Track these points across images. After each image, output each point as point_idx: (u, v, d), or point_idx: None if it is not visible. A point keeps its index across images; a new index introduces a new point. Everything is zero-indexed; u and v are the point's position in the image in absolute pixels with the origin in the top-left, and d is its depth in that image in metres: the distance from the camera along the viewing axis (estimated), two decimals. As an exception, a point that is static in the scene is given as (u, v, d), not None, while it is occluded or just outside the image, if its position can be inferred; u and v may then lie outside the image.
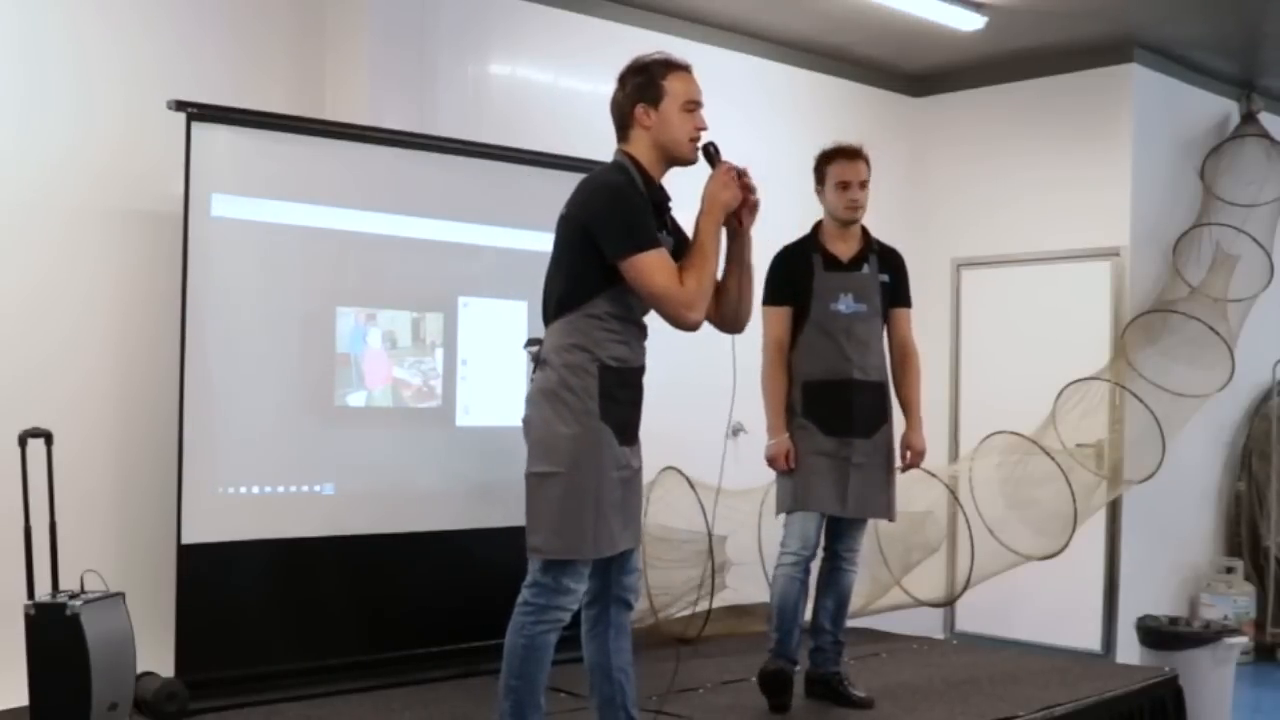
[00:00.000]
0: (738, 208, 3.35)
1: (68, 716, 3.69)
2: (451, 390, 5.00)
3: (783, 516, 4.44)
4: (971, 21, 6.36)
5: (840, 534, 4.47)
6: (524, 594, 3.31)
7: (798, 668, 4.45)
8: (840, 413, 4.34)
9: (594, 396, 3.24)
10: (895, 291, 4.51)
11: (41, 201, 4.52)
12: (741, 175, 3.35)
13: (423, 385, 4.94)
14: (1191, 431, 6.85)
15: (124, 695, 3.86)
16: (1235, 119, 7.39)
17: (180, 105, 4.36)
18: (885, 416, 4.46)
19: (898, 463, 4.53)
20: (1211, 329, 6.56)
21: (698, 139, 3.38)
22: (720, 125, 6.44)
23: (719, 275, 3.38)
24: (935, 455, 7.08)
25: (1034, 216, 7.16)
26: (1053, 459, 6.04)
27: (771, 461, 4.39)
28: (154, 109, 4.43)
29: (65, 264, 4.57)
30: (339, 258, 4.74)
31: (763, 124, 6.59)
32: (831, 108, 7.00)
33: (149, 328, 4.67)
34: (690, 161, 3.39)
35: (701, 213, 3.35)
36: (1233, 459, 7.80)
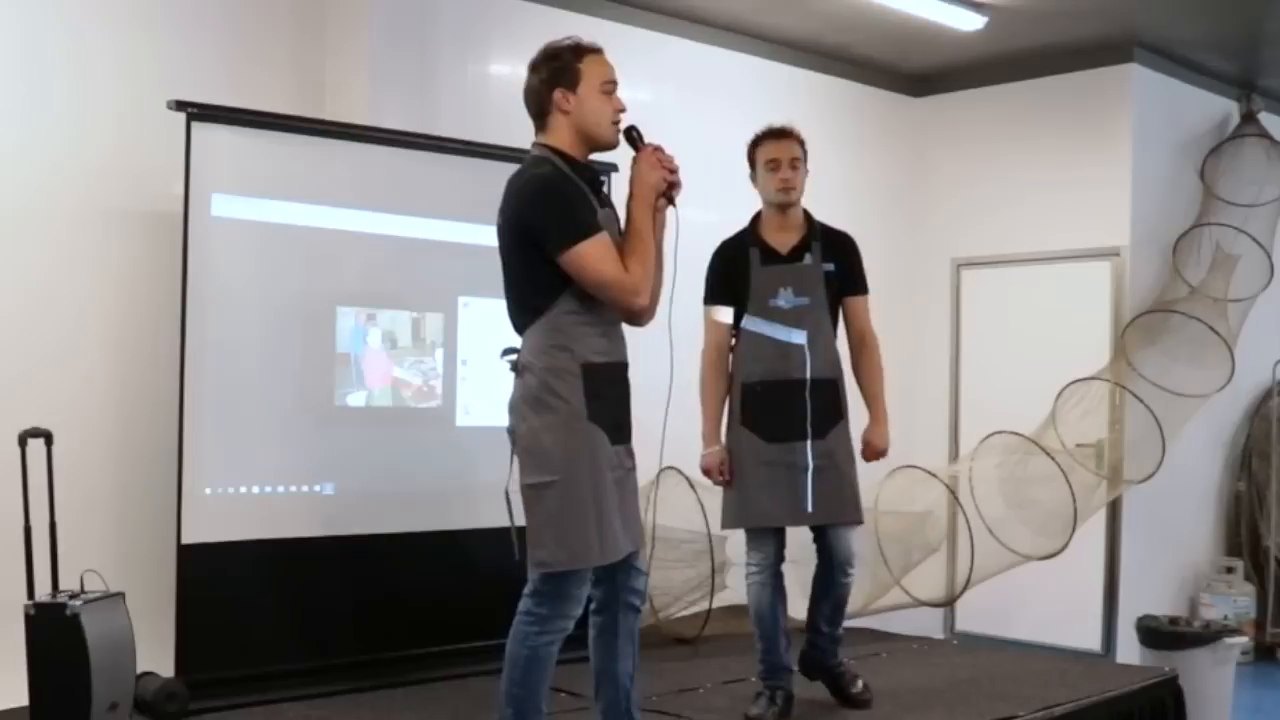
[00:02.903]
0: (665, 188, 3.29)
1: (68, 716, 3.69)
2: (451, 390, 5.00)
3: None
4: (971, 21, 6.36)
5: (832, 544, 4.20)
6: (525, 603, 3.24)
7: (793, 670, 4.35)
8: (783, 416, 4.09)
9: (580, 397, 3.18)
10: (845, 279, 4.25)
11: (41, 202, 4.52)
12: (663, 154, 3.29)
13: (423, 385, 4.94)
14: (1191, 431, 6.85)
15: (124, 695, 3.86)
16: (1235, 119, 7.39)
17: (180, 105, 4.36)
18: (839, 414, 4.19)
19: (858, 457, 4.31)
20: (1211, 329, 6.56)
21: (619, 121, 3.32)
22: (721, 125, 6.44)
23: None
24: (935, 455, 7.13)
25: (1034, 216, 7.16)
26: (1053, 459, 6.04)
27: (706, 474, 4.18)
28: (154, 109, 4.43)
29: (65, 264, 4.57)
30: (339, 258, 4.74)
31: (763, 124, 6.58)
32: (831, 108, 7.01)
33: (149, 328, 4.67)
34: (612, 144, 3.34)
35: (631, 197, 3.29)
36: (1233, 459, 7.80)
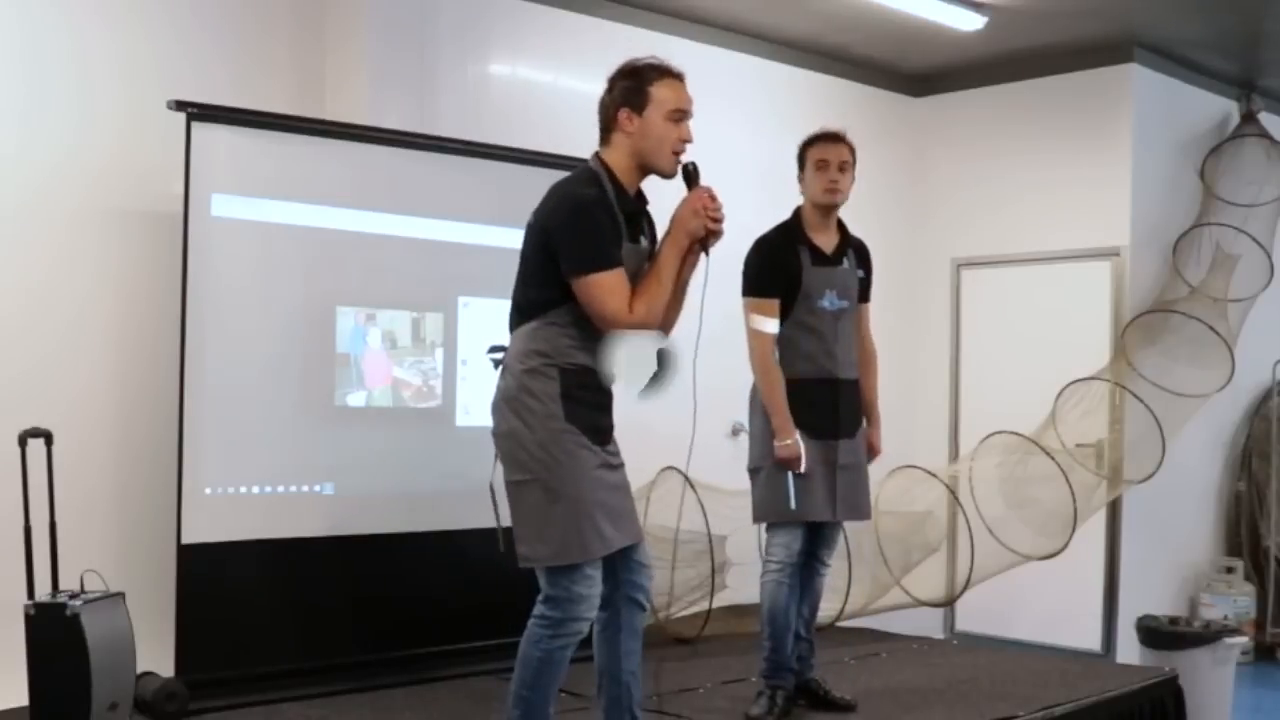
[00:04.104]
0: (703, 235, 3.28)
1: (68, 716, 3.69)
2: (451, 390, 5.00)
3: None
4: (971, 21, 6.36)
5: (824, 539, 4.36)
6: (539, 607, 3.26)
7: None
8: (828, 414, 4.23)
9: (556, 399, 3.20)
10: (865, 287, 4.42)
11: (41, 202, 4.52)
12: (712, 202, 3.27)
13: (423, 385, 4.94)
14: (1191, 431, 6.85)
15: (124, 695, 3.86)
16: (1235, 119, 7.39)
17: (180, 105, 4.36)
18: (860, 415, 4.38)
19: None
20: (1211, 329, 6.57)
21: (681, 151, 3.31)
22: (721, 125, 6.44)
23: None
24: (935, 455, 7.13)
25: (1034, 216, 7.16)
26: (1053, 459, 6.04)
27: (790, 463, 4.15)
28: (154, 109, 4.43)
29: (65, 264, 4.57)
30: (339, 258, 4.74)
31: (763, 124, 6.60)
32: (831, 108, 6.99)
33: (149, 328, 4.67)
34: (668, 174, 3.33)
35: (666, 236, 3.30)
36: (1233, 459, 7.80)
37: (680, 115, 3.30)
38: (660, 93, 3.28)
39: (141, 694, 4.08)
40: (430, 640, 4.86)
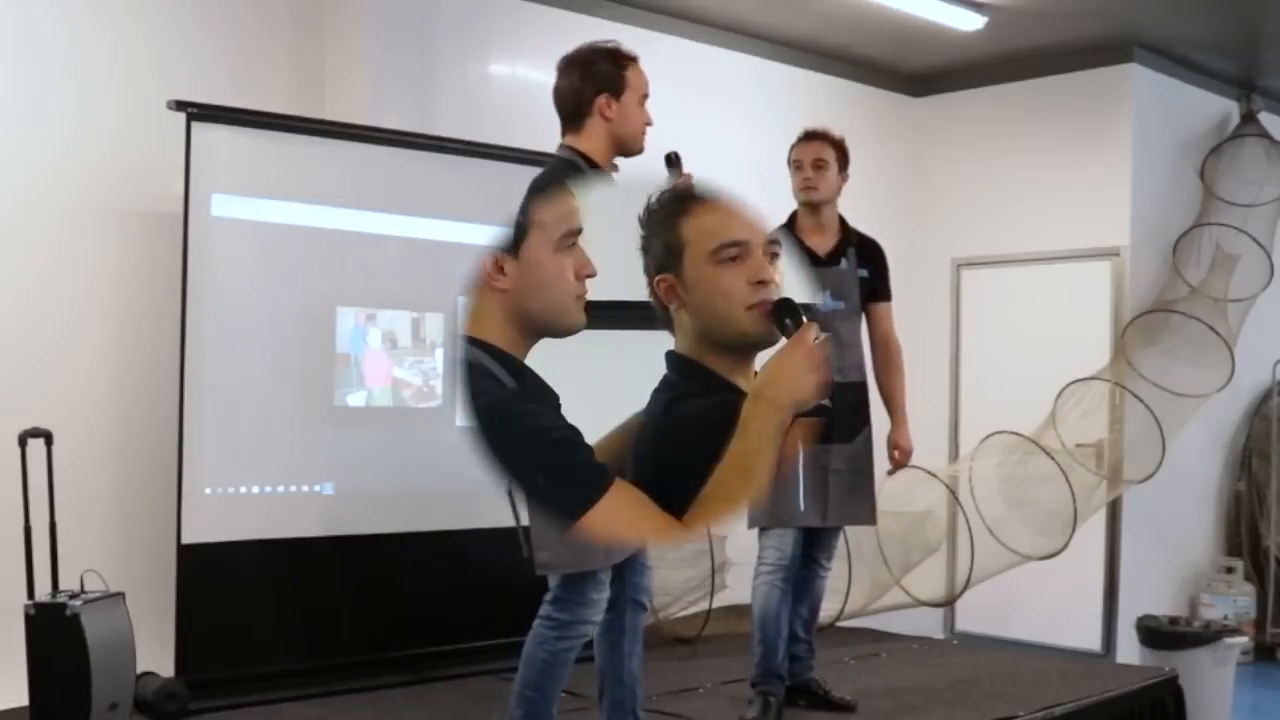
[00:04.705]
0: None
1: (68, 716, 3.69)
2: (452, 390, 5.00)
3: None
4: (971, 21, 6.36)
5: (820, 541, 4.34)
6: (546, 608, 3.24)
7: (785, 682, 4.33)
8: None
9: None
10: (875, 286, 4.37)
11: (41, 202, 4.52)
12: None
13: (423, 385, 4.94)
14: (1191, 431, 6.85)
15: (124, 695, 3.85)
16: (1235, 119, 7.39)
17: (180, 105, 4.36)
18: (865, 419, 4.31)
19: (886, 464, 4.41)
20: (1211, 329, 6.57)
21: (644, 132, 3.37)
22: (721, 125, 6.43)
23: None
24: (935, 455, 7.13)
25: (1034, 216, 7.16)
26: (1053, 459, 6.04)
27: None
28: (154, 109, 4.43)
29: (65, 264, 4.57)
30: (339, 258, 4.74)
31: (763, 124, 6.59)
32: (831, 108, 6.99)
33: (149, 328, 4.67)
34: (639, 152, 3.37)
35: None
36: (1233, 459, 7.80)
37: (646, 98, 3.37)
38: (633, 78, 3.33)
39: (141, 694, 4.08)
40: (430, 640, 4.86)
